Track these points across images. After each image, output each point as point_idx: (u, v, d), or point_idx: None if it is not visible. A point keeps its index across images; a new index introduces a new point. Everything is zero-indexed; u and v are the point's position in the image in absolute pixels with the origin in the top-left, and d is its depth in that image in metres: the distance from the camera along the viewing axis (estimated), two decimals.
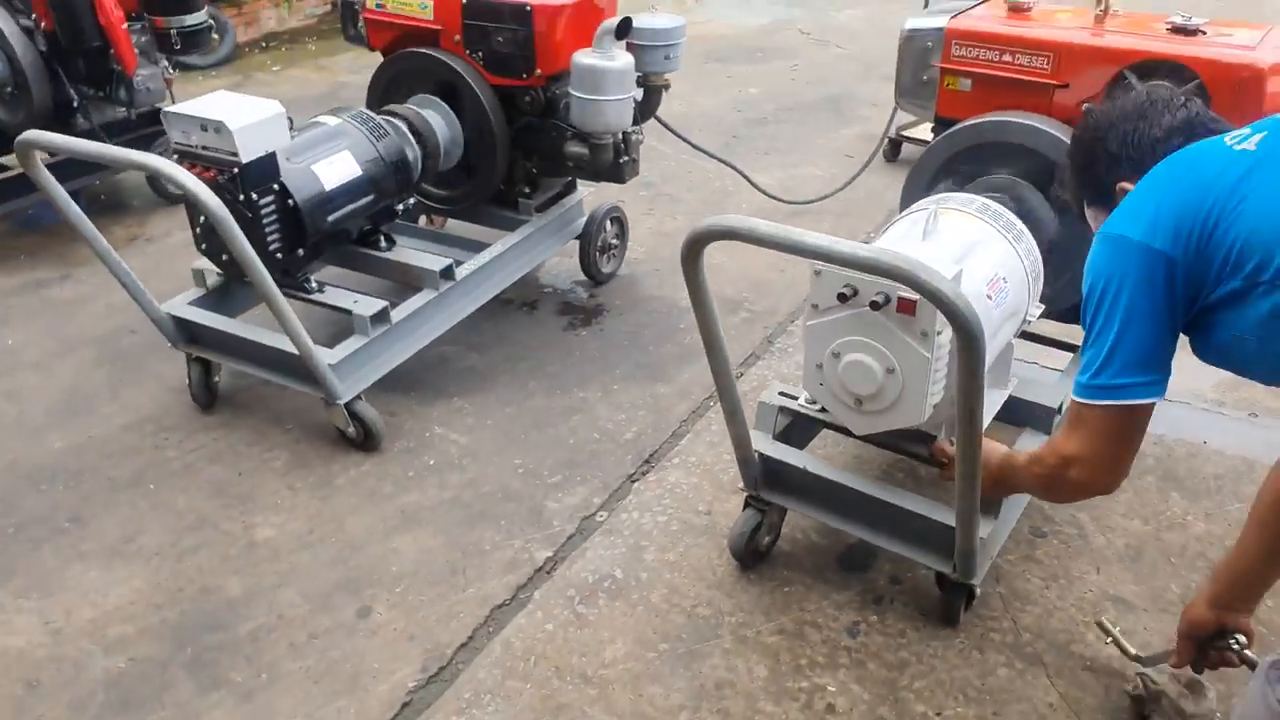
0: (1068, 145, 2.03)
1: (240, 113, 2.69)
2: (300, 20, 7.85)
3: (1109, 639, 2.19)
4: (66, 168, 4.24)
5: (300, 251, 2.94)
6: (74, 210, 2.77)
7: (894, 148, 5.11)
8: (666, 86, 3.51)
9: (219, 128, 2.66)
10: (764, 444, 2.41)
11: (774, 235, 1.79)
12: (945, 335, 2.03)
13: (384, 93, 3.55)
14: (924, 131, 5.05)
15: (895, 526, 2.32)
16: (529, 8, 3.19)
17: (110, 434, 3.12)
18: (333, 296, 3.05)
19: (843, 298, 2.05)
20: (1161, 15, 2.66)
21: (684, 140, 3.88)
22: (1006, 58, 2.69)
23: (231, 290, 3.26)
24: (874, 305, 2.01)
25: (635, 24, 3.22)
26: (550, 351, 3.53)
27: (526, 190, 3.65)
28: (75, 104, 4.27)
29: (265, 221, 2.80)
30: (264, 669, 2.31)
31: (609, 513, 2.78)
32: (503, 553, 2.65)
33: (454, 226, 3.86)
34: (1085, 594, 2.49)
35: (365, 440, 2.99)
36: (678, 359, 3.49)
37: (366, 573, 2.58)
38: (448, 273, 3.21)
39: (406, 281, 3.28)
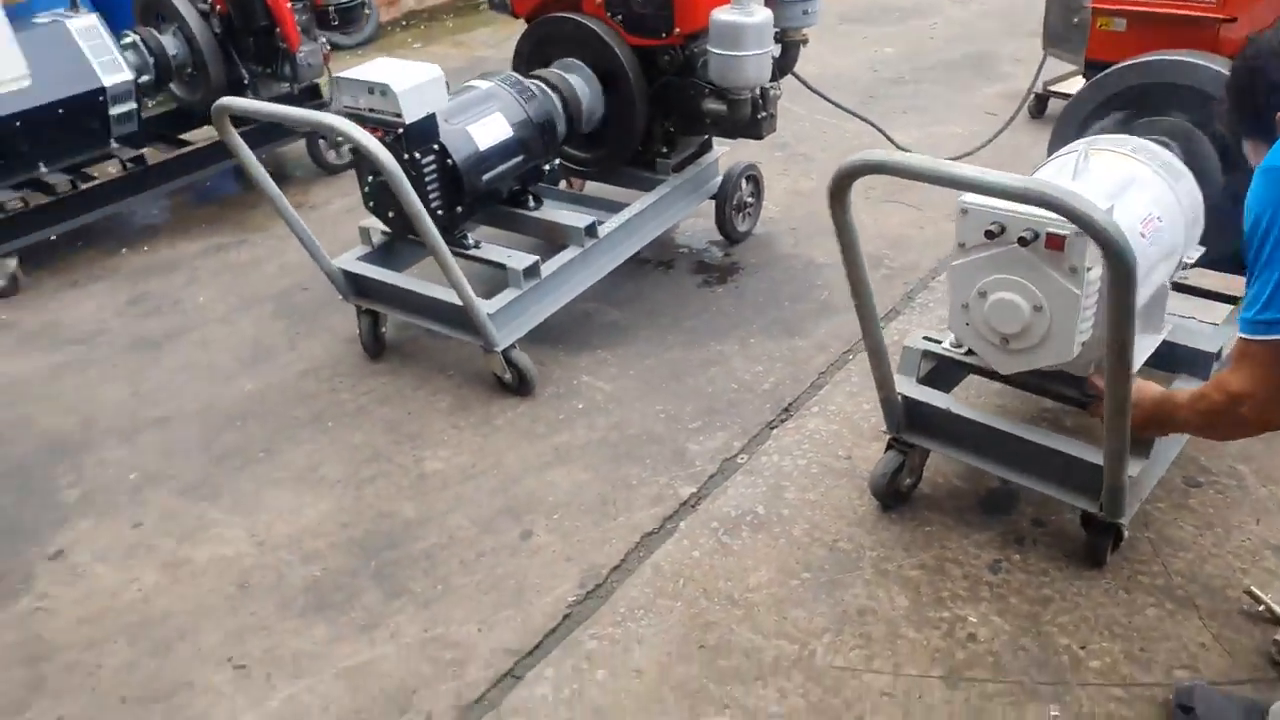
0: (1227, 77, 2.00)
1: (404, 76, 2.89)
2: None
3: (1261, 606, 2.16)
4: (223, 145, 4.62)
5: (458, 209, 3.14)
6: (261, 173, 3.04)
7: (1040, 103, 5.00)
8: (804, 41, 3.56)
9: (385, 90, 2.87)
10: (907, 386, 2.46)
11: (925, 167, 1.85)
12: (1095, 271, 2.04)
13: (529, 57, 3.71)
14: (1072, 86, 4.92)
15: (1040, 466, 2.34)
16: None
17: (290, 379, 3.41)
18: (487, 251, 3.24)
19: (990, 235, 2.08)
20: None
21: (821, 96, 3.91)
22: None
23: (395, 247, 3.50)
24: (1022, 241, 2.04)
25: None
26: (687, 308, 3.65)
27: (664, 150, 3.76)
28: (246, 81, 4.62)
29: (427, 179, 3.00)
30: (439, 581, 2.52)
31: (749, 455, 2.89)
32: (649, 488, 2.79)
33: (593, 189, 4.01)
34: (1244, 543, 2.45)
35: (519, 385, 3.18)
36: (814, 315, 3.55)
37: (525, 501, 2.77)
38: (591, 230, 3.35)
39: (552, 239, 3.45)
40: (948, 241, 3.92)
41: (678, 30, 3.39)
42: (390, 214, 3.10)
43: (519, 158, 3.27)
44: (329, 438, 3.10)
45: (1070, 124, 2.79)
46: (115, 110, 4.31)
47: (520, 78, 3.39)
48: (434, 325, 3.26)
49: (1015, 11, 6.62)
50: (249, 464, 3.02)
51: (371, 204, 3.15)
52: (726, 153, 3.99)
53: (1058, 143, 2.81)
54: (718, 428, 3.01)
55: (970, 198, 2.12)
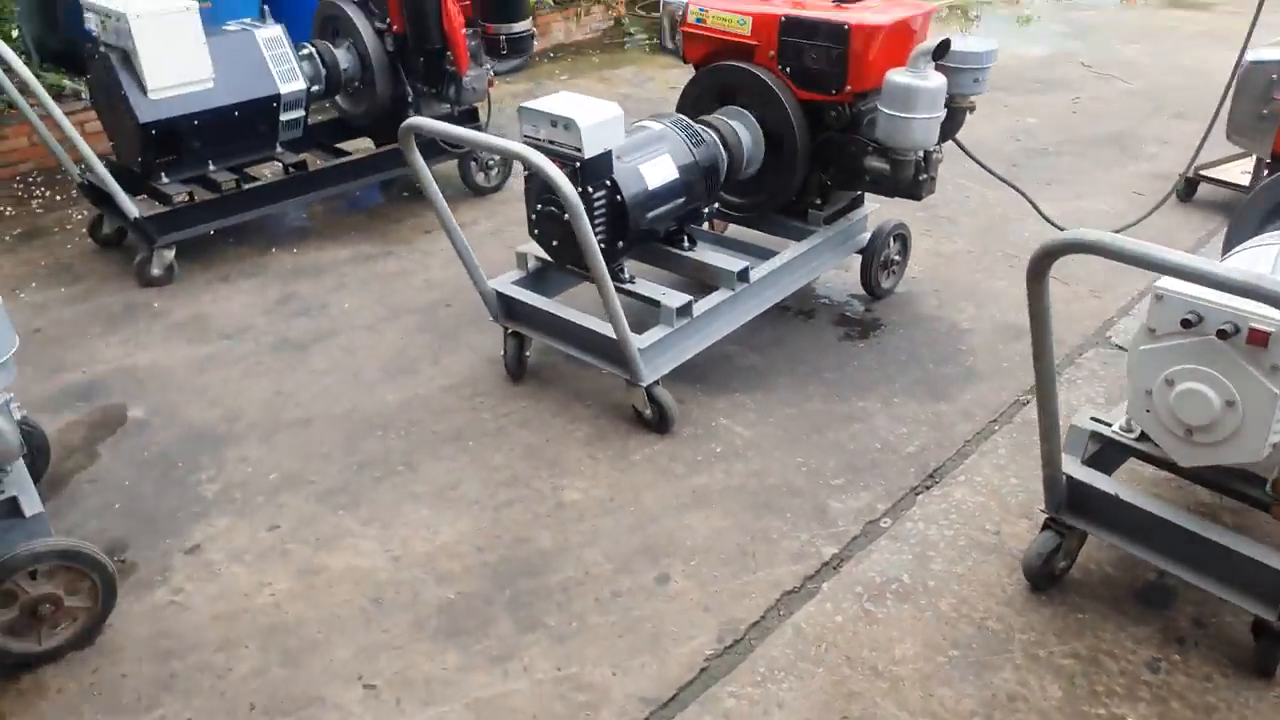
0: None
1: (587, 112, 2.96)
2: (586, 33, 8.36)
3: None
4: (394, 157, 4.79)
5: (620, 244, 3.19)
6: (435, 192, 3.14)
7: (1189, 187, 4.88)
8: (971, 109, 3.54)
9: (569, 124, 2.94)
10: (1073, 467, 2.40)
11: (1137, 252, 1.81)
12: None
13: (695, 101, 3.77)
14: (1228, 172, 4.80)
15: (1212, 565, 2.26)
16: (846, 27, 3.32)
17: (433, 394, 3.50)
18: (642, 287, 3.28)
19: (1187, 324, 2.03)
20: None
21: (977, 161, 3.88)
22: None
23: (548, 274, 3.57)
24: (1222, 334, 1.99)
25: (952, 46, 3.27)
26: (828, 359, 3.63)
27: (817, 202, 3.77)
28: (409, 99, 4.79)
29: (597, 213, 3.06)
30: (574, 618, 2.53)
31: (893, 520, 2.85)
32: (789, 542, 2.77)
33: (739, 232, 4.04)
34: None
35: (659, 422, 3.20)
36: (959, 379, 3.50)
37: (663, 542, 2.77)
38: (744, 275, 3.38)
39: (703, 280, 3.48)
40: (1091, 317, 3.86)
41: (849, 88, 3.41)
42: (555, 242, 3.17)
43: (682, 199, 3.32)
44: (469, 456, 3.16)
45: (1251, 217, 2.72)
46: (285, 116, 4.50)
47: (690, 121, 3.45)
48: (581, 354, 3.30)
49: (1158, 92, 6.50)
50: (389, 475, 3.09)
51: (536, 231, 3.22)
52: (876, 210, 3.99)
53: (1238, 234, 2.74)
54: (860, 487, 2.98)
55: (1167, 283, 2.07)
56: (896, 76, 3.26)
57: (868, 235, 3.91)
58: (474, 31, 4.67)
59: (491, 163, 5.12)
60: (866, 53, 3.34)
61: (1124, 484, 2.43)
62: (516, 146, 2.67)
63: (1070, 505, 2.45)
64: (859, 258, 3.94)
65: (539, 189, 3.13)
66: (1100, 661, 2.36)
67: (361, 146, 4.99)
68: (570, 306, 3.39)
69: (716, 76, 3.67)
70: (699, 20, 3.68)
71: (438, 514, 2.92)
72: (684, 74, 6.92)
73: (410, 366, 3.67)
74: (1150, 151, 5.56)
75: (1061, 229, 4.34)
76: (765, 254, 3.70)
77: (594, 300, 3.88)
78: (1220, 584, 2.26)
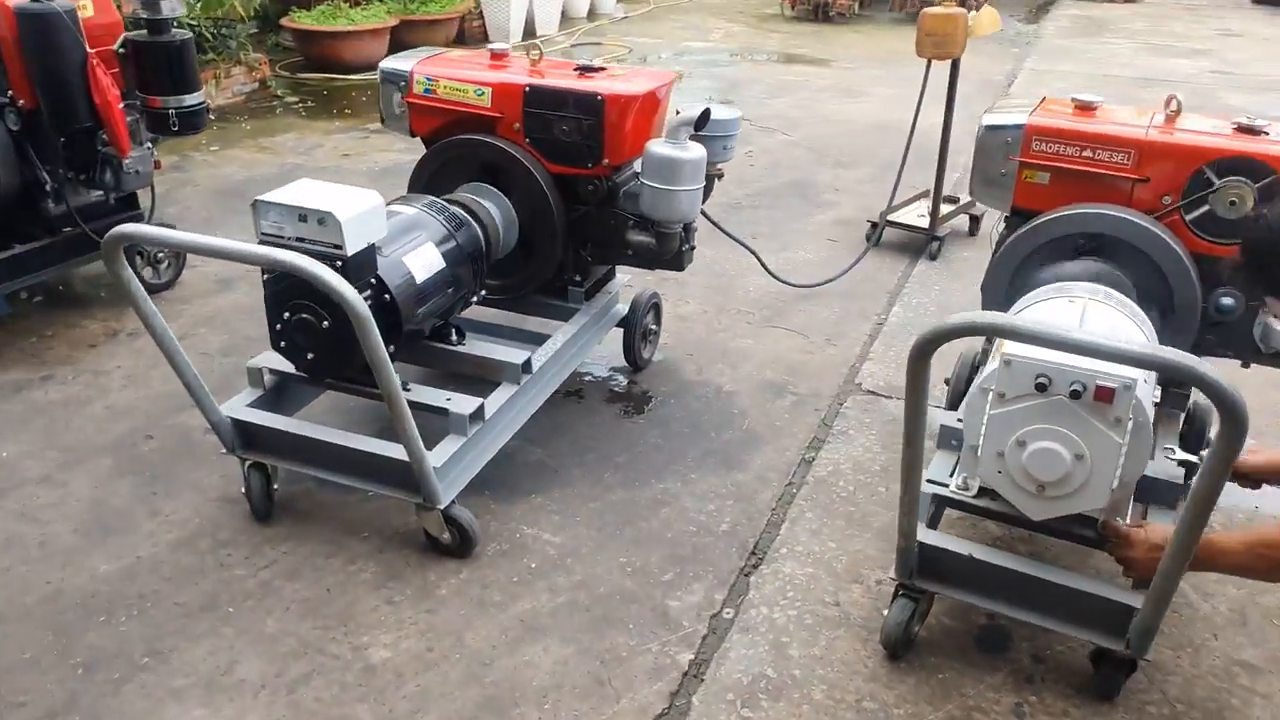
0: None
1: (344, 203, 2.55)
2: (228, 97, 7.58)
3: None
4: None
5: (392, 348, 2.78)
6: (154, 317, 2.57)
7: (874, 230, 5.31)
8: (720, 176, 3.55)
9: (324, 218, 2.51)
10: (925, 534, 2.40)
11: (1037, 331, 1.81)
12: (1132, 423, 2.09)
13: (429, 180, 3.44)
14: (907, 216, 5.28)
15: (1060, 607, 2.35)
16: (600, 97, 3.18)
17: (161, 554, 2.83)
18: (419, 394, 2.89)
19: (1041, 387, 2.09)
20: (1224, 116, 2.89)
21: (715, 225, 3.91)
22: (1087, 153, 2.85)
23: (287, 389, 3.06)
24: (1075, 394, 2.06)
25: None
26: (613, 442, 3.45)
27: (576, 278, 3.59)
28: (48, 187, 3.95)
29: None
30: None
31: (735, 609, 2.71)
32: (642, 658, 2.53)
33: (487, 315, 3.74)
34: (1214, 662, 2.57)
35: (460, 545, 2.82)
36: (744, 445, 3.46)
37: (507, 690, 2.41)
38: (527, 365, 3.10)
39: (482, 375, 3.15)
40: (837, 364, 4.02)
41: (605, 161, 3.27)
42: (310, 355, 2.69)
43: (450, 289, 2.98)
44: (233, 628, 2.58)
45: (1005, 267, 2.94)
46: None
47: (445, 203, 3.12)
48: (351, 480, 2.83)
49: (817, 143, 7.10)
50: (132, 673, 2.43)
51: (283, 344, 2.72)
52: (629, 281, 3.88)
53: (997, 275, 2.95)
54: (691, 579, 2.81)
55: (1015, 349, 2.13)
56: (659, 149, 3.18)
57: (624, 307, 3.79)
58: (132, 105, 3.96)
59: (161, 256, 4.38)
60: (623, 124, 3.22)
61: (971, 542, 2.47)
62: (288, 257, 2.20)
63: (921, 570, 2.45)
64: (617, 330, 3.80)
65: (283, 295, 2.64)
66: None
67: None
68: (317, 424, 2.92)
69: (455, 151, 3.37)
70: (428, 91, 3.36)
71: (215, 713, 2.33)
72: (354, 141, 6.48)
73: (118, 523, 2.96)
74: (828, 199, 6.02)
75: (790, 283, 4.52)
76: (533, 338, 3.45)
77: (345, 414, 3.43)
78: (1069, 623, 2.36)
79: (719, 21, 11.91)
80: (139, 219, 4.30)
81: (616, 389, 3.81)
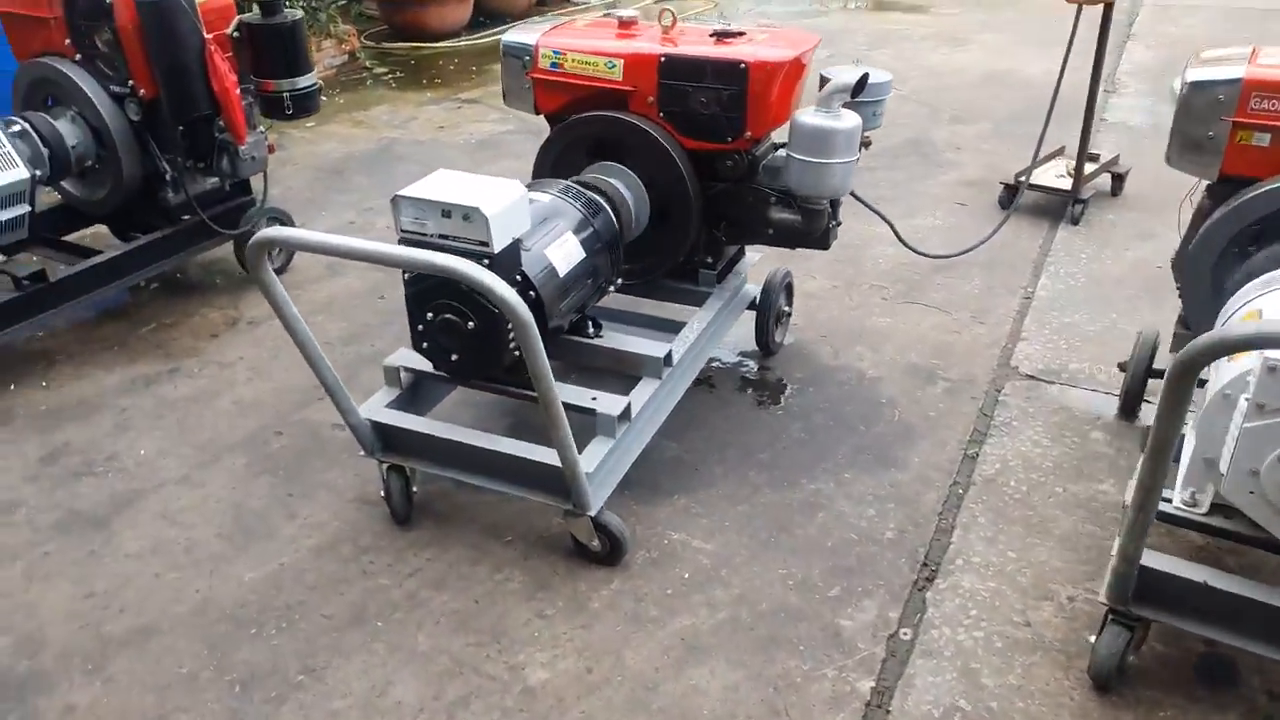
0: None
1: (489, 196, 2.35)
2: (320, 72, 7.44)
3: None
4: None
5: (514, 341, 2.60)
6: (292, 313, 2.40)
7: (1009, 193, 4.94)
8: (868, 144, 3.26)
9: (470, 214, 2.32)
10: (1150, 556, 2.14)
11: (1266, 333, 1.52)
12: None
13: (556, 160, 3.23)
14: (1044, 177, 4.90)
15: None
16: (743, 65, 2.92)
17: (304, 560, 2.73)
18: (564, 393, 2.69)
19: None
20: None
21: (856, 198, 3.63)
22: None
23: (421, 387, 2.91)
24: None
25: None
26: (753, 435, 3.23)
27: (708, 260, 3.35)
28: (168, 177, 3.85)
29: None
30: None
31: (913, 630, 2.49)
32: (819, 685, 2.33)
33: (610, 300, 3.53)
34: None
35: (610, 554, 2.65)
36: (898, 439, 3.21)
37: (677, 719, 2.24)
38: (669, 358, 2.90)
39: (620, 369, 2.96)
40: (987, 346, 3.72)
41: (748, 134, 3.01)
42: (455, 356, 2.52)
43: (590, 281, 2.78)
44: (385, 644, 2.45)
45: (1212, 245, 2.62)
46: (4, 215, 3.47)
47: (579, 188, 2.91)
48: (496, 485, 2.68)
49: (928, 97, 6.69)
50: (289, 692, 2.33)
51: (426, 345, 2.55)
52: (758, 260, 3.64)
53: (1200, 262, 2.64)
54: (860, 594, 2.59)
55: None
56: (810, 119, 2.91)
57: (753, 287, 3.55)
58: (246, 89, 3.83)
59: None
60: (768, 93, 2.95)
61: (1205, 567, 2.19)
62: (447, 261, 2.02)
63: (1139, 595, 2.19)
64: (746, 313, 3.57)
65: (425, 295, 2.47)
66: None
67: (89, 235, 4.01)
68: (458, 425, 2.77)
69: (583, 129, 3.14)
70: (554, 65, 3.14)
71: None
72: (447, 112, 6.28)
73: (260, 527, 2.86)
74: (949, 158, 5.65)
75: (926, 254, 4.21)
76: (664, 325, 3.25)
77: (474, 408, 3.28)
78: None
79: None
80: (252, 204, 4.20)
81: (748, 375, 3.59)
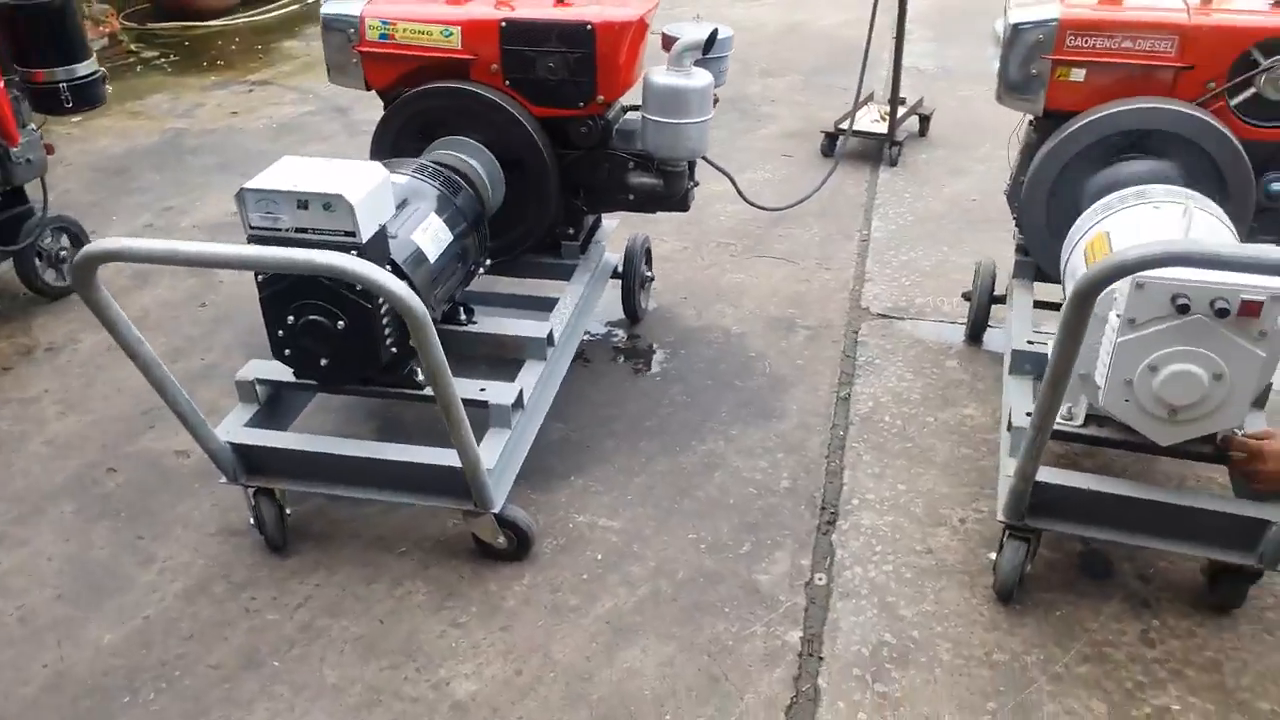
0: None
1: (351, 182, 2.16)
2: None
3: None
4: None
5: (411, 341, 2.43)
6: (133, 335, 2.14)
7: (830, 141, 5.09)
8: (716, 101, 3.24)
9: (331, 203, 2.13)
10: (1046, 472, 2.25)
11: (1243, 255, 1.62)
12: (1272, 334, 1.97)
13: (397, 138, 3.03)
14: (861, 123, 5.06)
15: (1183, 529, 2.25)
16: (589, 27, 2.82)
17: (172, 608, 2.46)
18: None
19: (1184, 309, 1.93)
20: None
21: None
22: (1126, 44, 2.68)
23: (281, 399, 2.68)
24: (1221, 313, 1.91)
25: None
26: (637, 405, 3.19)
27: (570, 231, 3.26)
28: None
29: (384, 312, 2.28)
30: None
31: (827, 574, 2.53)
32: (750, 644, 2.33)
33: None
34: None
35: (518, 548, 2.54)
36: (773, 390, 3.26)
37: (618, 706, 2.18)
38: (551, 338, 2.80)
39: (501, 355, 2.83)
40: (839, 292, 3.83)
41: (601, 98, 2.92)
42: (324, 361, 2.32)
43: (460, 265, 2.63)
44: (287, 685, 2.25)
45: (1045, 175, 2.78)
46: None
47: (435, 166, 2.73)
48: (386, 496, 2.51)
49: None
50: None
51: (288, 351, 2.33)
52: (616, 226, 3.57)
53: (1036, 192, 2.79)
54: (771, 546, 2.61)
55: (1148, 271, 1.95)
56: (663, 79, 2.86)
57: (615, 257, 3.49)
58: (13, 81, 3.37)
59: (64, 254, 3.82)
60: (617, 55, 2.87)
61: (1089, 474, 2.34)
62: (334, 259, 1.82)
63: (1034, 508, 2.31)
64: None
65: (284, 296, 2.26)
66: (1108, 656, 2.27)
67: None
68: (332, 435, 2.60)
69: (424, 103, 2.96)
70: (384, 37, 2.93)
71: None
72: (237, 97, 5.83)
73: (110, 581, 2.56)
74: (767, 112, 5.75)
75: (765, 207, 4.27)
76: (535, 303, 3.15)
77: (335, 413, 3.05)
78: (1193, 543, 2.26)
79: None
80: (31, 214, 3.71)
81: (620, 345, 3.54)
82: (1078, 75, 2.77)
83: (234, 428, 2.51)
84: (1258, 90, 2.60)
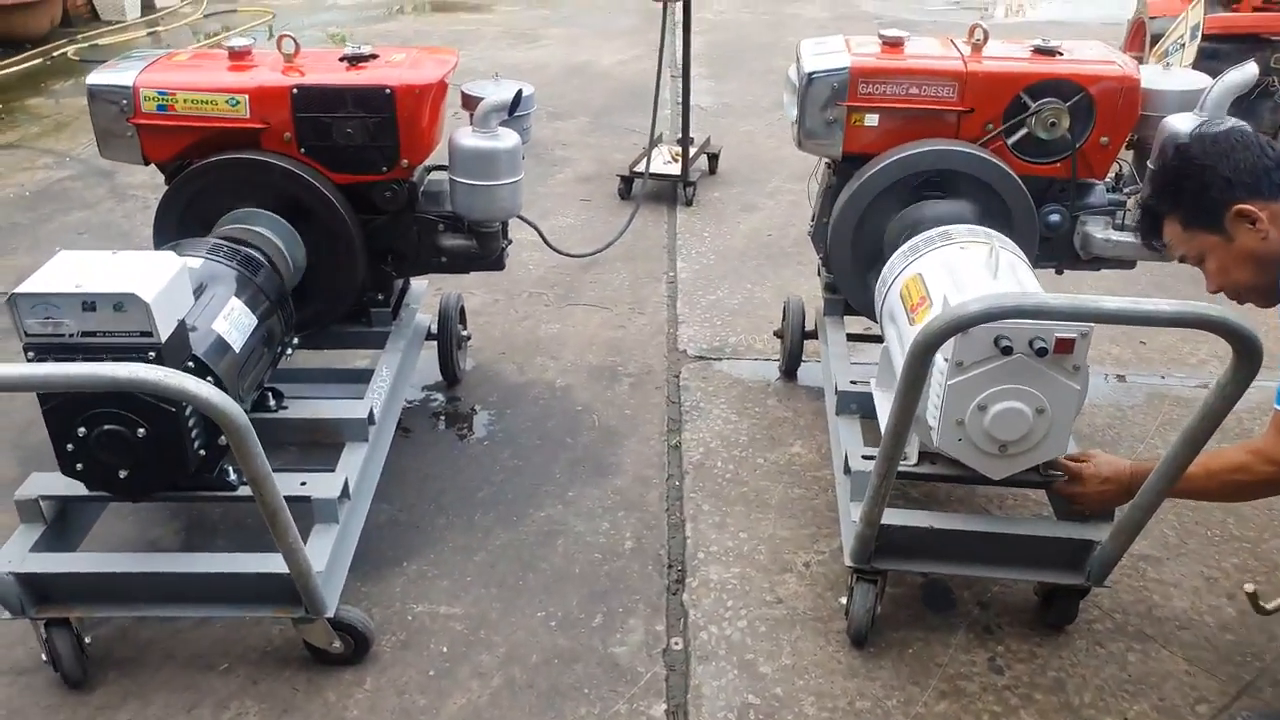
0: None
1: (142, 277, 1.94)
2: None
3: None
4: None
5: (221, 439, 2.21)
6: None
7: (626, 184, 5.15)
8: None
9: (122, 303, 1.90)
10: (889, 514, 2.31)
11: (1067, 307, 1.71)
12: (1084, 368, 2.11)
13: (184, 214, 2.77)
14: (654, 165, 5.13)
15: (1018, 556, 2.37)
16: (389, 90, 2.70)
17: None
18: None
19: (1007, 350, 2.03)
20: (1016, 40, 2.98)
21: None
22: (913, 90, 2.84)
23: (68, 516, 2.38)
24: (1040, 352, 2.03)
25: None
26: (466, 474, 3.06)
27: (380, 297, 3.09)
28: None
29: (189, 413, 2.06)
30: None
31: (682, 638, 2.49)
32: None
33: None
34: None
35: (355, 651, 2.35)
36: (605, 444, 3.21)
37: None
38: (372, 416, 2.63)
39: (316, 440, 2.63)
40: (656, 336, 3.85)
41: (404, 162, 2.79)
42: (124, 473, 2.07)
43: (266, 349, 2.43)
44: None
45: (849, 217, 2.89)
46: None
47: (230, 244, 2.51)
48: (206, 612, 2.27)
49: None
50: None
51: (81, 465, 2.06)
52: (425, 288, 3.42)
53: (842, 233, 2.90)
54: (623, 614, 2.55)
55: None
56: (470, 141, 2.77)
57: (428, 318, 3.35)
58: None
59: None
60: (419, 118, 2.75)
61: (928, 512, 2.42)
62: (140, 370, 1.60)
63: (878, 550, 2.37)
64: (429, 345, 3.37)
65: (72, 407, 2.00)
66: (962, 689, 2.35)
67: None
68: (132, 552, 2.34)
69: (212, 176, 2.72)
70: (162, 108, 2.68)
71: None
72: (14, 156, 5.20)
73: None
74: (560, 155, 5.75)
75: (572, 254, 4.27)
76: (346, 376, 2.97)
77: (124, 518, 2.74)
78: (1028, 569, 2.38)
79: None
80: None
81: (440, 410, 3.39)
82: (871, 120, 2.90)
83: (17, 554, 2.19)
84: (1029, 130, 2.81)
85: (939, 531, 2.34)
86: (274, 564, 2.12)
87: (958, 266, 2.38)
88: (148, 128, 2.70)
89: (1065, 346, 2.04)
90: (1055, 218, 2.91)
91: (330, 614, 2.24)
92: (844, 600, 2.47)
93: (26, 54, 7.37)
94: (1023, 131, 2.82)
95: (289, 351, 2.63)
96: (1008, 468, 2.22)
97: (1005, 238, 2.58)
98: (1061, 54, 2.89)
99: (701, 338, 3.86)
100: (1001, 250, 2.41)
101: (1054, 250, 3.01)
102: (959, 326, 1.78)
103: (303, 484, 2.34)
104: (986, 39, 2.88)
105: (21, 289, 1.88)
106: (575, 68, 7.51)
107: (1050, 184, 2.90)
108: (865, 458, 2.44)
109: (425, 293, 3.37)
